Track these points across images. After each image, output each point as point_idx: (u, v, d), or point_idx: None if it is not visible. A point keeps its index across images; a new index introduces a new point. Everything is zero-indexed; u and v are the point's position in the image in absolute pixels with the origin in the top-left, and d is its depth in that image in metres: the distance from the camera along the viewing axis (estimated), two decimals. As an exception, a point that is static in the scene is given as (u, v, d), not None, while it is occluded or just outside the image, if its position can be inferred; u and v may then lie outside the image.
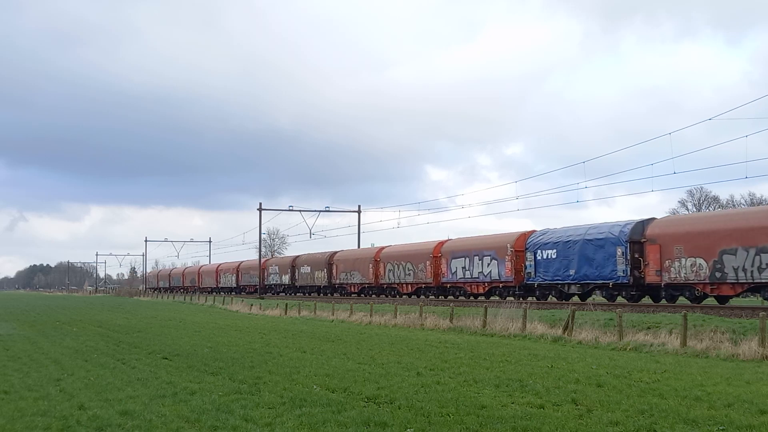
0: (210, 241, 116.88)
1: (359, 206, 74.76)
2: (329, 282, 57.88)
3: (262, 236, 78.87)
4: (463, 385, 12.11)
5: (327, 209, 74.86)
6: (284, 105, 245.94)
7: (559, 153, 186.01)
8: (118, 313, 44.58)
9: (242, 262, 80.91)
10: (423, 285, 45.79)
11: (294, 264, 65.76)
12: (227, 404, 10.39)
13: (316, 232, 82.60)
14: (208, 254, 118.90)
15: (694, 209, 79.59)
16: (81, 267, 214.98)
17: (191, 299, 73.24)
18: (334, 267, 57.43)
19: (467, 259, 41.58)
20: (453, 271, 42.82)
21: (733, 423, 8.89)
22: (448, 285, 43.70)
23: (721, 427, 8.71)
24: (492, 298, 39.40)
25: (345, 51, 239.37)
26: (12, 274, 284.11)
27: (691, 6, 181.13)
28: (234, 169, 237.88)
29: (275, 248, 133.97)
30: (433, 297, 44.05)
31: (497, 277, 39.04)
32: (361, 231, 72.58)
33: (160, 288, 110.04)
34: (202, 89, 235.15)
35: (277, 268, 69.44)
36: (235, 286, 78.29)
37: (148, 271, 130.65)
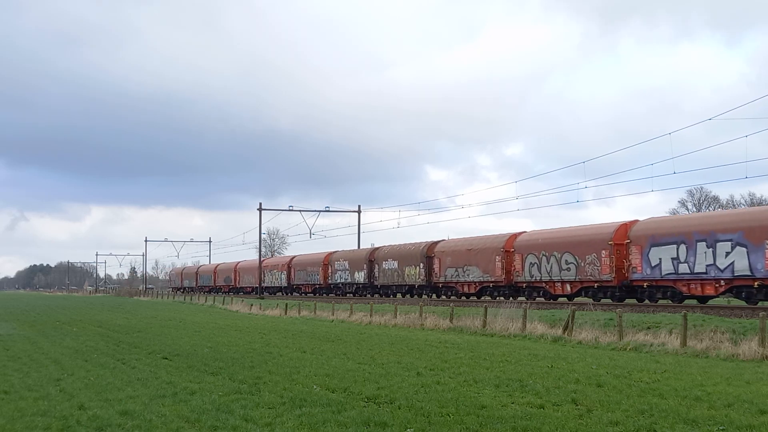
0: (210, 241, 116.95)
1: (359, 206, 74.79)
2: (428, 280, 45.81)
3: (262, 236, 78.95)
4: (463, 385, 12.11)
5: (327, 209, 74.92)
6: (284, 105, 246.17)
7: (558, 153, 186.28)
8: (118, 313, 44.58)
9: (294, 256, 69.52)
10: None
11: (373, 258, 53.12)
12: (227, 404, 10.39)
13: (316, 232, 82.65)
14: (208, 254, 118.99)
15: (695, 209, 79.61)
16: (81, 267, 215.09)
17: (191, 299, 73.22)
18: (437, 261, 44.90)
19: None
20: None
21: (733, 423, 8.89)
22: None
23: (721, 427, 8.70)
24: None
25: (345, 51, 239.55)
26: (12, 274, 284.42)
27: (688, 7, 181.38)
28: (234, 169, 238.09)
29: (275, 248, 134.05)
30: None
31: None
32: (361, 231, 72.62)
33: (184, 288, 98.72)
34: (202, 89, 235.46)
35: (346, 263, 56.68)
36: (285, 285, 67.29)
37: (174, 268, 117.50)
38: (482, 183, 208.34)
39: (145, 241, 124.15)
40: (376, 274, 51.97)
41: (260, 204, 71.98)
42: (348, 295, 54.98)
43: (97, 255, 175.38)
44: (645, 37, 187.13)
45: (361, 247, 64.79)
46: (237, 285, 79.17)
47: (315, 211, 74.44)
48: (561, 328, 22.74)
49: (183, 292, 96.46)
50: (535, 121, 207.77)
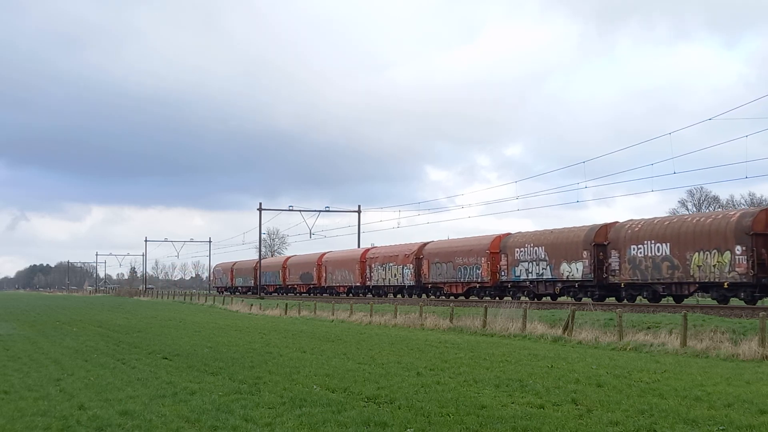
0: (210, 241, 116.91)
1: (359, 206, 74.85)
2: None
3: (262, 236, 78.88)
4: (463, 385, 12.11)
5: (327, 209, 74.93)
6: (284, 105, 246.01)
7: (558, 154, 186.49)
8: (118, 313, 44.58)
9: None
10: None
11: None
12: (227, 404, 10.38)
13: (316, 232, 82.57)
14: (208, 254, 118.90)
15: (695, 209, 79.62)
16: (81, 267, 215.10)
17: (191, 299, 73.21)
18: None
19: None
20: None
21: (733, 423, 8.89)
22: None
23: (721, 427, 8.70)
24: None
25: (345, 52, 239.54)
26: (12, 274, 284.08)
27: (686, 8, 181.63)
28: (234, 170, 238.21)
29: (275, 248, 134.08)
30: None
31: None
32: (361, 231, 72.62)
33: (237, 289, 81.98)
34: (202, 90, 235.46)
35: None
36: (359, 284, 54.91)
37: (220, 263, 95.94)
38: (482, 183, 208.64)
39: (145, 241, 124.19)
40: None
41: (260, 204, 72.07)
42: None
43: (97, 255, 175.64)
44: (643, 38, 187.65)
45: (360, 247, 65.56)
46: (323, 283, 61.16)
47: (315, 211, 74.51)
48: (561, 328, 22.75)
49: (233, 293, 79.56)
50: (535, 121, 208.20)
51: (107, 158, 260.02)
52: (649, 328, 21.23)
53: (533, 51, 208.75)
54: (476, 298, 41.53)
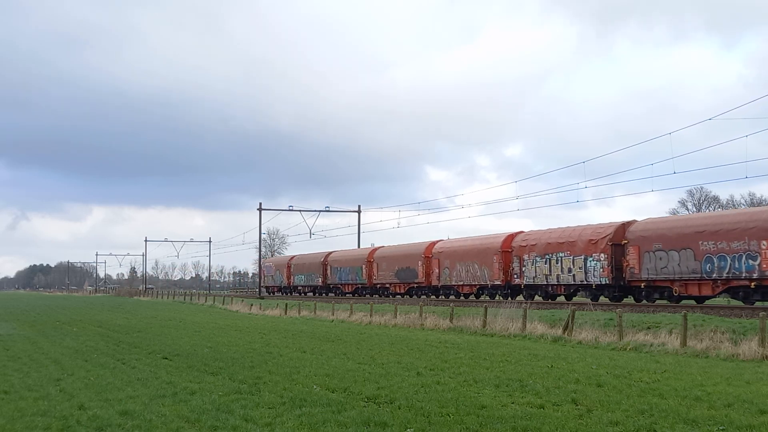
0: (210, 241, 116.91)
1: (359, 206, 74.84)
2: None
3: (262, 236, 78.79)
4: (463, 385, 12.10)
5: (327, 209, 74.94)
6: (284, 106, 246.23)
7: (558, 154, 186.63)
8: (118, 313, 44.58)
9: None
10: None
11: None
12: (227, 404, 10.38)
13: (316, 232, 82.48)
14: (208, 254, 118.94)
15: (695, 209, 79.65)
16: (81, 267, 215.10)
17: (191, 299, 73.22)
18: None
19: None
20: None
21: (733, 423, 8.89)
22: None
23: (721, 427, 8.70)
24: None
25: (345, 52, 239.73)
26: (12, 274, 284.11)
27: (684, 9, 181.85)
28: (234, 170, 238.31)
29: (275, 248, 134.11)
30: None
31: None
32: (361, 231, 72.53)
33: (295, 288, 66.86)
34: (203, 91, 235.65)
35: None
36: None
37: (273, 257, 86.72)
38: (482, 183, 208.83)
39: (145, 241, 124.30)
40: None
41: (260, 204, 72.13)
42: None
43: (97, 255, 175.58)
44: (641, 38, 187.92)
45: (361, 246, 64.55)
46: (433, 282, 46.18)
47: (315, 211, 74.48)
48: (561, 328, 22.74)
49: (289, 293, 66.46)
50: (534, 121, 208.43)
51: (108, 158, 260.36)
52: (649, 328, 21.22)
53: (533, 52, 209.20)
54: (473, 299, 41.61)
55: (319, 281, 61.80)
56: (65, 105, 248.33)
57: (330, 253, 62.15)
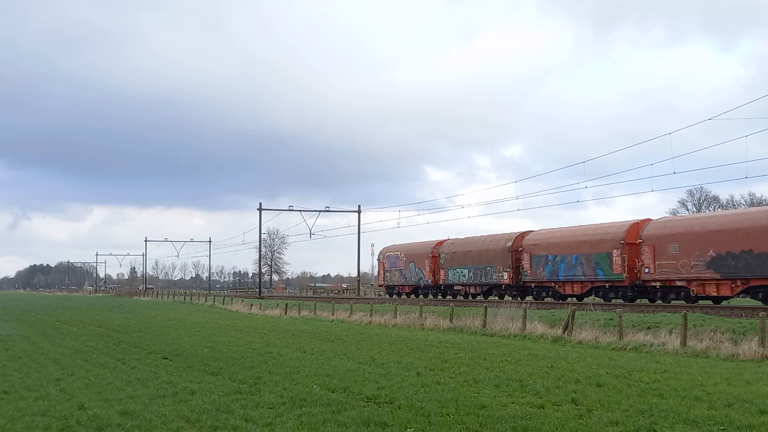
0: (210, 241, 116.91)
1: (359, 206, 74.76)
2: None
3: (262, 236, 78.72)
4: (463, 385, 12.10)
5: (327, 209, 74.89)
6: (284, 107, 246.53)
7: (557, 154, 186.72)
8: (118, 313, 44.57)
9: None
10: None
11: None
12: (227, 404, 10.38)
13: (316, 232, 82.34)
14: (208, 254, 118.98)
15: (694, 209, 79.66)
16: (81, 267, 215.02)
17: (191, 299, 73.21)
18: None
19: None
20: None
21: (733, 423, 8.88)
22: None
23: (721, 427, 8.70)
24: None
25: (344, 53, 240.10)
26: (12, 274, 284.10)
27: (681, 11, 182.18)
28: (234, 170, 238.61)
29: (275, 248, 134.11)
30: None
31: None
32: (361, 231, 72.33)
33: (450, 288, 45.73)
34: (203, 92, 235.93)
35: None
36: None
37: (398, 244, 53.83)
38: (481, 183, 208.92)
39: (145, 241, 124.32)
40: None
41: (260, 204, 72.14)
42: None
43: (97, 255, 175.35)
44: (638, 40, 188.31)
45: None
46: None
47: (315, 211, 74.35)
48: (561, 328, 22.74)
49: (440, 295, 46.50)
50: (533, 122, 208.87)
51: (108, 159, 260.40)
52: (649, 328, 21.22)
53: (531, 53, 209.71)
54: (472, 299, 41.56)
55: (504, 277, 41.00)
56: (66, 105, 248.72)
57: (525, 234, 40.94)
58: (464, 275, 44.12)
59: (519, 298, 38.83)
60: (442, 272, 45.89)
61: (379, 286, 59.01)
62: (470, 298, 43.55)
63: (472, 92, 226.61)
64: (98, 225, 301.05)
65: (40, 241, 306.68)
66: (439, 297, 46.31)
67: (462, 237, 47.37)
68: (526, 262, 39.58)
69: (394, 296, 51.56)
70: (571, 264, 36.60)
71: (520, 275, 40.04)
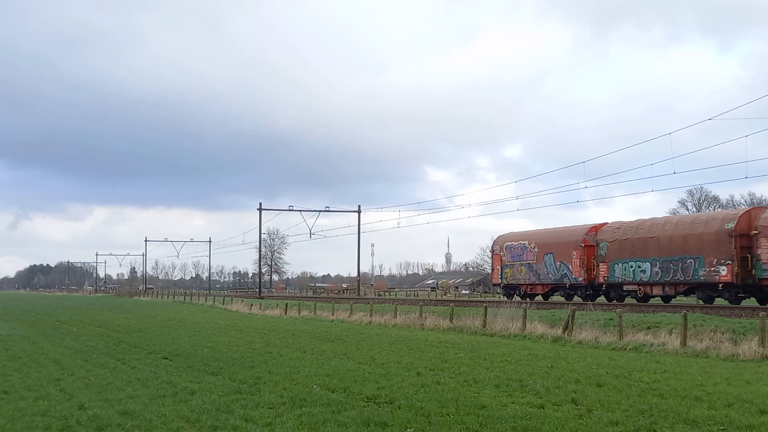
0: (210, 241, 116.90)
1: (359, 206, 74.79)
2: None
3: (262, 236, 78.75)
4: (463, 385, 12.10)
5: (327, 209, 74.88)
6: (284, 107, 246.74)
7: (557, 155, 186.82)
8: (118, 313, 44.56)
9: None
10: None
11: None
12: (227, 404, 10.38)
13: (316, 232, 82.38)
14: (208, 254, 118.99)
15: (695, 209, 79.68)
16: (81, 267, 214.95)
17: (191, 299, 73.20)
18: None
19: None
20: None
21: (733, 423, 8.88)
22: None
23: (721, 427, 8.70)
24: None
25: (344, 54, 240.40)
26: (12, 274, 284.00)
27: (679, 12, 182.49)
28: (234, 170, 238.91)
29: (275, 248, 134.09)
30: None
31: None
32: (361, 231, 72.32)
33: (616, 287, 34.52)
34: (203, 92, 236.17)
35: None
36: None
37: (524, 231, 44.65)
38: (481, 183, 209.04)
39: (145, 241, 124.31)
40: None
41: (260, 204, 72.18)
42: None
43: (97, 255, 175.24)
44: (637, 41, 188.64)
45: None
46: None
47: (315, 211, 74.38)
48: (561, 328, 22.74)
49: (590, 296, 36.38)
50: (533, 123, 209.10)
51: (108, 159, 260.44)
52: (649, 328, 21.22)
53: (530, 54, 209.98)
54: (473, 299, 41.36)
55: (722, 273, 29.33)
56: (66, 106, 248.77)
57: (759, 210, 30.47)
58: (643, 271, 32.41)
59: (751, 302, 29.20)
60: (602, 267, 34.65)
61: (494, 285, 48.39)
62: (651, 301, 33.02)
63: (471, 93, 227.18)
64: (98, 225, 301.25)
65: (40, 241, 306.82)
66: (599, 300, 34.75)
67: (633, 219, 36.45)
68: (766, 251, 27.60)
69: (516, 298, 40.50)
70: None
71: (754, 269, 28.01)
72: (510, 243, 42.40)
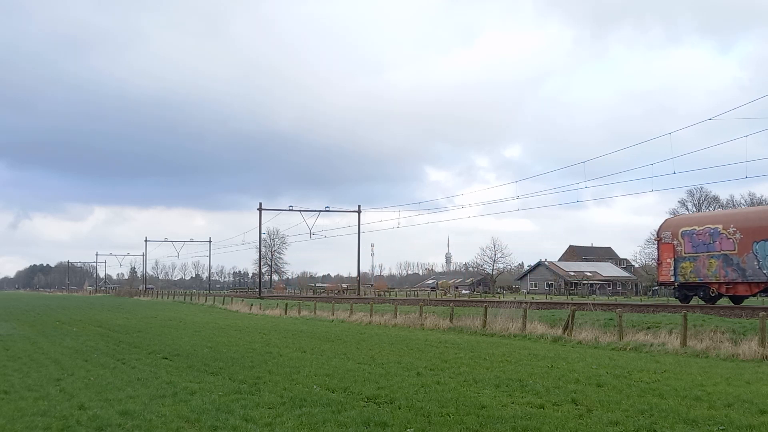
0: (210, 241, 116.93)
1: (359, 206, 74.82)
2: None
3: (262, 236, 78.77)
4: (463, 385, 12.10)
5: (327, 209, 74.87)
6: (284, 107, 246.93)
7: (556, 155, 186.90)
8: (118, 313, 44.56)
9: None
10: None
11: None
12: (227, 404, 10.38)
13: (316, 232, 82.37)
14: (208, 254, 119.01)
15: (695, 209, 79.66)
16: (81, 267, 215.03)
17: (191, 299, 73.20)
18: None
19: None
20: None
21: (733, 423, 8.88)
22: None
23: (721, 427, 8.70)
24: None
25: (344, 54, 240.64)
26: (12, 274, 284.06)
27: (678, 13, 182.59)
28: (234, 170, 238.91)
29: (275, 248, 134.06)
30: None
31: None
32: (361, 231, 72.35)
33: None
34: (204, 93, 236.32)
35: None
36: None
37: (714, 211, 44.68)
38: (481, 183, 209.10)
39: (145, 241, 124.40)
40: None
41: (260, 204, 72.19)
42: None
43: (97, 255, 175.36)
44: (636, 41, 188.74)
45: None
46: None
47: (315, 211, 74.42)
48: (561, 328, 22.75)
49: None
50: (533, 123, 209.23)
51: (109, 159, 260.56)
52: (649, 328, 21.23)
53: (530, 54, 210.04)
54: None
55: None
56: (67, 106, 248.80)
57: None
58: None
59: None
60: None
61: (660, 283, 37.50)
62: None
63: (471, 93, 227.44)
64: (99, 225, 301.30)
65: (40, 241, 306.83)
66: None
67: None
68: None
69: (694, 300, 32.48)
70: None
71: None
72: (690, 228, 32.89)
